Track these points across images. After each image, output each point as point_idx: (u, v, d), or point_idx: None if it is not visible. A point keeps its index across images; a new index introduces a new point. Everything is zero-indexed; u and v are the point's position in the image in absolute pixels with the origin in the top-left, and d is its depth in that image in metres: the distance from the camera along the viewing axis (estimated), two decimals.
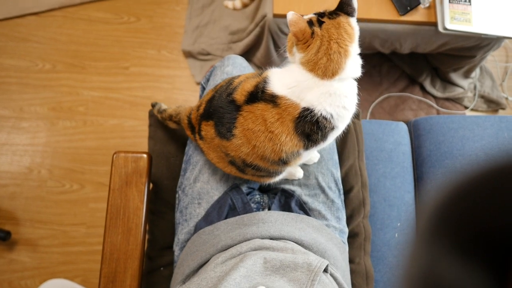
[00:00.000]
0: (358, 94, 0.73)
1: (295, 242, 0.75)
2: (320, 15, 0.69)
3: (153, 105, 1.02)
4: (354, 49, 0.68)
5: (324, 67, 0.66)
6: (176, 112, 0.91)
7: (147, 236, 0.95)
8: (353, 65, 0.68)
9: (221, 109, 0.73)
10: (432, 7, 1.30)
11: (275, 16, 1.29)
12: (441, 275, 0.21)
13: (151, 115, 1.09)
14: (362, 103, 1.73)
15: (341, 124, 0.71)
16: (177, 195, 0.93)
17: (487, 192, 0.22)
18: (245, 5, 1.41)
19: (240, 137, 0.71)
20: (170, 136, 1.04)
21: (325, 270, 0.64)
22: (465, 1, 1.27)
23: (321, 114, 0.67)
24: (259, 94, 0.69)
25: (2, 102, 1.69)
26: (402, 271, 0.24)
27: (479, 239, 0.22)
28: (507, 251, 0.21)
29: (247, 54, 1.69)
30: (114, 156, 0.89)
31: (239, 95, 0.71)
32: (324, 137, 0.70)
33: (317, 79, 0.67)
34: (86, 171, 1.62)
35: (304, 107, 0.67)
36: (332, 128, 0.69)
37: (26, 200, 1.58)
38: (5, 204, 1.57)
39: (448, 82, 1.76)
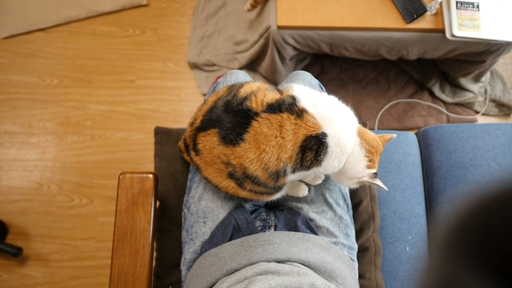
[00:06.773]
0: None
1: (301, 264, 0.74)
2: None
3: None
4: None
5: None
6: None
7: (155, 255, 0.95)
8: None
9: (229, 116, 0.72)
10: (439, 14, 1.28)
11: (279, 28, 1.28)
12: None
13: (157, 132, 1.09)
14: (370, 111, 1.70)
15: (324, 164, 0.71)
16: (182, 213, 0.93)
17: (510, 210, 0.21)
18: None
19: (249, 141, 0.70)
20: (177, 153, 1.04)
21: None
22: (473, 6, 1.25)
23: (327, 144, 0.69)
24: (284, 108, 0.70)
25: (11, 118, 1.71)
26: (417, 284, 0.24)
27: (499, 256, 0.21)
28: None
29: (253, 64, 1.69)
30: (120, 177, 0.89)
31: (256, 104, 0.71)
32: (309, 164, 0.71)
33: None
34: (94, 185, 1.63)
35: (323, 132, 0.69)
36: (319, 163, 0.71)
37: (37, 215, 1.59)
38: (16, 219, 1.58)
39: (457, 87, 1.72)
